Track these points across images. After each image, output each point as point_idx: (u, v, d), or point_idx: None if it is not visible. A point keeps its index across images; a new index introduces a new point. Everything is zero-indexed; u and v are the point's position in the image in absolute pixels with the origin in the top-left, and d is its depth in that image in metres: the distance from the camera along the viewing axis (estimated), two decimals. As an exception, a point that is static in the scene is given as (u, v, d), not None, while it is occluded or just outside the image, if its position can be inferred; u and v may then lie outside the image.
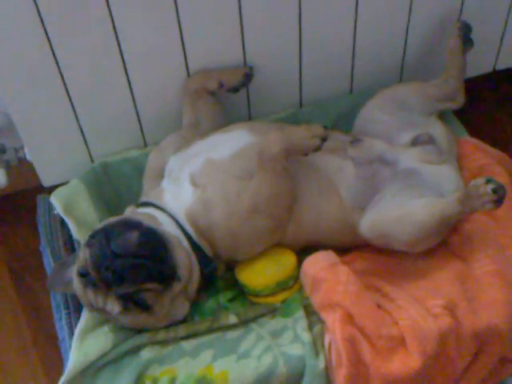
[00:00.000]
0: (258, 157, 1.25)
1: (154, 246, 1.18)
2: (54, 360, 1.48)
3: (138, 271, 1.15)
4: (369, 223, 1.28)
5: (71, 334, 1.29)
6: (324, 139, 1.27)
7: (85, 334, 1.23)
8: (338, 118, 1.58)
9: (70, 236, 1.43)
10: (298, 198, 1.30)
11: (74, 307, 1.33)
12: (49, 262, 1.42)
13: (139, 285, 1.17)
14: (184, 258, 1.23)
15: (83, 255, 1.21)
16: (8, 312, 1.64)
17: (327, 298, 1.21)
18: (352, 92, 1.64)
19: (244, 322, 1.27)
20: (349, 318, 1.18)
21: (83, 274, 1.20)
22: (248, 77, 1.46)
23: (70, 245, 1.45)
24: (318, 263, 1.25)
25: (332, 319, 1.19)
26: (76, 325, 1.28)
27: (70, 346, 1.25)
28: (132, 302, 1.18)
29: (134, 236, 1.16)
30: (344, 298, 1.19)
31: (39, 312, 1.63)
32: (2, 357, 1.56)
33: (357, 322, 1.18)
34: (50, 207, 1.49)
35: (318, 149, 1.27)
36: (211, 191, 1.26)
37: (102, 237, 1.18)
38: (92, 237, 1.21)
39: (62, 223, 1.45)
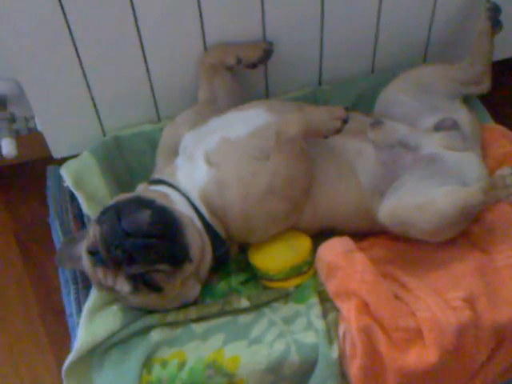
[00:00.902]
0: (275, 137, 1.20)
1: (166, 226, 1.14)
2: (61, 335, 1.48)
3: (149, 252, 1.12)
4: (388, 210, 1.23)
5: (79, 309, 1.27)
6: (345, 122, 1.22)
7: (93, 313, 1.20)
8: (358, 98, 1.53)
9: (80, 209, 1.39)
10: (316, 181, 1.26)
11: (83, 282, 1.30)
12: (57, 234, 1.40)
13: (150, 265, 1.13)
14: (196, 239, 1.19)
15: (93, 232, 1.17)
16: (15, 284, 1.62)
17: (343, 285, 1.17)
18: (373, 72, 1.58)
19: (256, 307, 1.23)
20: (365, 308, 1.14)
21: (93, 252, 1.16)
22: (268, 53, 1.41)
23: (80, 218, 1.42)
24: (333, 249, 1.21)
25: (347, 308, 1.15)
26: (84, 300, 1.26)
27: (78, 322, 1.23)
28: (142, 283, 1.14)
29: (145, 215, 1.13)
30: (360, 286, 1.15)
31: (46, 285, 1.61)
32: (8, 330, 1.54)
33: (373, 312, 1.14)
34: (60, 179, 1.45)
35: (338, 131, 1.23)
36: (226, 170, 1.22)
37: (113, 214, 1.14)
38: (103, 214, 1.18)
39: (72, 196, 1.42)
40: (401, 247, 1.30)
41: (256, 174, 1.20)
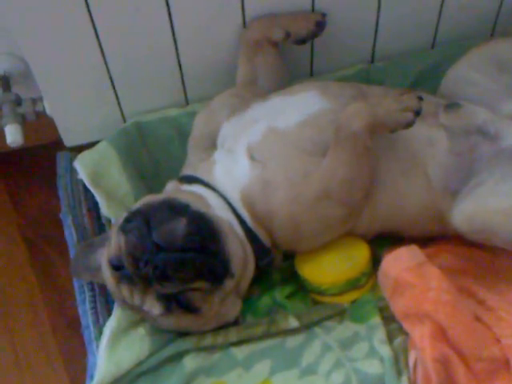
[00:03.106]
0: (335, 132, 1.09)
1: (204, 237, 1.03)
2: (75, 348, 1.39)
3: (186, 268, 1.01)
4: (466, 215, 1.11)
5: (96, 320, 1.20)
6: (417, 113, 1.10)
7: (116, 337, 1.10)
8: (418, 77, 1.41)
9: (96, 203, 1.31)
10: (376, 177, 1.14)
11: (100, 289, 1.22)
12: (70, 232, 1.32)
13: (186, 284, 1.03)
14: (238, 250, 1.08)
15: (116, 242, 1.06)
16: (22, 290, 1.54)
17: (414, 306, 1.06)
18: (434, 47, 1.46)
19: (306, 326, 1.13)
20: (441, 334, 1.02)
21: (117, 267, 1.06)
22: (320, 26, 1.29)
23: (95, 212, 1.35)
24: (401, 263, 1.09)
25: (420, 333, 1.03)
26: (102, 309, 1.20)
27: (95, 336, 1.16)
28: (176, 303, 1.04)
29: (180, 225, 1.01)
30: (436, 308, 1.03)
31: (58, 290, 1.53)
32: (15, 342, 1.46)
33: (451, 340, 1.02)
34: (72, 167, 1.38)
35: (409, 126, 1.11)
36: (273, 169, 1.11)
37: (142, 223, 1.03)
38: (128, 221, 1.06)
39: (86, 187, 1.34)
40: (476, 255, 1.19)
41: (308, 173, 1.10)
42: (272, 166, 1.11)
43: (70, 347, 1.43)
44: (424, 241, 1.19)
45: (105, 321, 1.17)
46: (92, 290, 1.23)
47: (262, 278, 1.20)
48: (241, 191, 1.12)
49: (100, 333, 1.15)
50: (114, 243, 1.07)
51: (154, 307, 1.04)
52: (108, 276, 1.09)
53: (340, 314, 1.15)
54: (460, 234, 1.14)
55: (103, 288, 1.20)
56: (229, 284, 1.07)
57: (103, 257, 1.11)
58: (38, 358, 1.42)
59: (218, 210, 1.10)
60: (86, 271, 1.19)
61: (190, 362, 1.08)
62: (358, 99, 1.16)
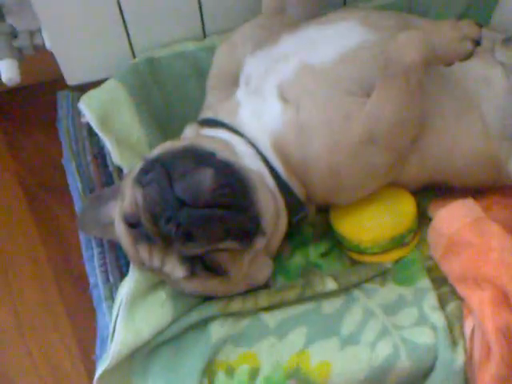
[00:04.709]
0: (383, 66, 0.99)
1: (234, 191, 0.94)
2: (82, 307, 1.34)
3: (213, 227, 0.92)
4: None
5: (106, 279, 1.13)
6: (478, 43, 1.01)
7: (134, 302, 1.01)
8: (466, 8, 1.33)
9: (102, 147, 1.25)
10: (426, 121, 1.05)
11: (110, 244, 1.15)
12: (74, 181, 1.25)
13: (212, 244, 0.94)
14: (269, 204, 0.99)
15: (132, 196, 0.97)
16: (23, 245, 1.49)
17: (472, 268, 0.99)
18: None
19: (345, 289, 1.06)
20: (504, 301, 0.95)
21: (133, 224, 0.97)
22: None
23: (102, 159, 1.28)
24: (457, 219, 1.03)
25: (478, 299, 0.96)
26: (112, 267, 1.13)
27: (105, 295, 1.09)
28: (201, 265, 0.96)
29: (207, 176, 0.92)
30: (499, 271, 0.96)
31: (62, 244, 1.49)
32: (16, 301, 1.42)
33: None
34: (74, 108, 1.32)
35: (468, 56, 1.01)
36: (309, 111, 1.01)
37: (162, 174, 0.93)
38: (145, 171, 0.97)
39: (90, 130, 1.27)
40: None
41: (351, 116, 1.00)
42: (307, 107, 1.02)
43: (77, 308, 1.38)
44: (472, 192, 1.11)
45: (115, 279, 1.10)
46: (100, 245, 1.16)
47: (293, 234, 1.11)
48: (272, 137, 1.03)
49: (110, 292, 1.09)
50: (128, 197, 0.98)
51: (175, 270, 0.96)
52: (122, 234, 1.00)
53: (382, 275, 1.08)
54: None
55: (113, 244, 1.14)
56: (260, 243, 0.99)
57: (115, 212, 1.03)
58: (42, 320, 1.38)
59: (247, 159, 1.01)
60: (95, 226, 1.11)
61: (216, 330, 1.00)
62: (404, 31, 1.06)
